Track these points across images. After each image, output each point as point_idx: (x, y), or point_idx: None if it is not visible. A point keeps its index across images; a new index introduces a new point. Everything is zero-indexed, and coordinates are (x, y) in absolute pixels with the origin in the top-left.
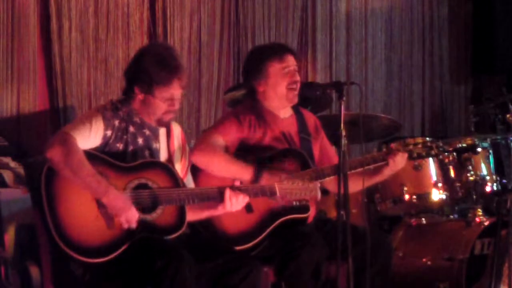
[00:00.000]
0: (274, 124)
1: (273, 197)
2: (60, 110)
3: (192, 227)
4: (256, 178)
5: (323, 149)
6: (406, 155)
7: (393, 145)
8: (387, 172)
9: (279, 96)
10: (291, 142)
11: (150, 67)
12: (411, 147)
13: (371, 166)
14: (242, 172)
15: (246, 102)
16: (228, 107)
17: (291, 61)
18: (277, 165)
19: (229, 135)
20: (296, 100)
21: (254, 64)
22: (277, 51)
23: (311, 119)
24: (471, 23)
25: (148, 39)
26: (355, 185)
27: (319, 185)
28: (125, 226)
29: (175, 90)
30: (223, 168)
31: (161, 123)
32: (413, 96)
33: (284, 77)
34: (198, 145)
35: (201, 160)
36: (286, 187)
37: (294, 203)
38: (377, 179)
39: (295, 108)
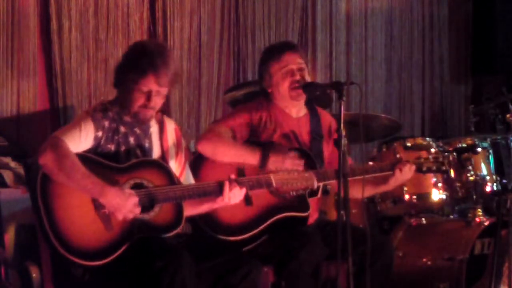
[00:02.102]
0: (285, 123)
1: (271, 188)
2: (60, 110)
3: (193, 225)
4: (263, 161)
5: (334, 150)
6: (414, 167)
7: (402, 155)
8: (393, 182)
9: (283, 96)
10: (301, 142)
11: (134, 56)
12: (422, 160)
13: (375, 175)
14: (249, 156)
15: (260, 99)
16: (228, 107)
17: (290, 59)
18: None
19: (237, 129)
20: (300, 97)
21: (260, 65)
22: (275, 51)
23: (326, 120)
24: (471, 23)
25: (148, 39)
26: (359, 193)
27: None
28: (130, 216)
29: (151, 85)
30: (229, 153)
31: (137, 117)
32: (413, 96)
33: (284, 77)
34: (205, 134)
35: (207, 147)
36: (282, 178)
37: (291, 193)
38: (383, 188)
39: (312, 108)
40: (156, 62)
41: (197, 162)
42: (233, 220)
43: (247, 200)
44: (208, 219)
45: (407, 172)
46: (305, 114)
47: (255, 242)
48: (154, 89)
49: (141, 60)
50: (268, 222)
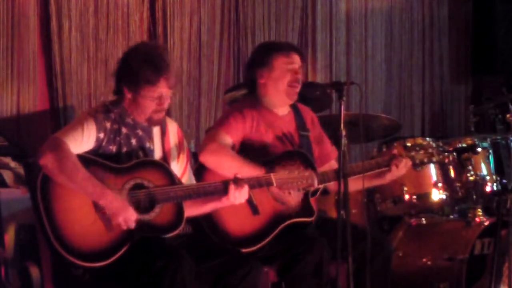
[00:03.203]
0: (274, 122)
1: (271, 187)
2: (60, 110)
3: (196, 228)
4: None
5: (320, 143)
6: (410, 162)
7: (396, 151)
8: (388, 177)
9: (279, 91)
10: (292, 142)
11: (137, 66)
12: (413, 153)
13: (374, 172)
14: (253, 173)
15: (246, 99)
16: (228, 107)
17: (296, 59)
18: (282, 167)
19: (235, 133)
20: (295, 98)
21: (260, 55)
22: (284, 47)
23: (307, 113)
24: (471, 23)
25: (148, 39)
26: (355, 185)
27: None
28: (124, 227)
29: (163, 89)
30: (234, 169)
31: (151, 122)
32: (413, 96)
33: (287, 73)
34: (207, 145)
35: (211, 160)
36: (282, 177)
37: (291, 192)
38: (378, 182)
39: (293, 105)
40: (163, 66)
41: (200, 169)
42: (243, 232)
43: (254, 209)
44: (218, 232)
45: (403, 167)
46: (288, 111)
47: (263, 250)
48: (165, 92)
49: (149, 69)
50: (276, 231)
